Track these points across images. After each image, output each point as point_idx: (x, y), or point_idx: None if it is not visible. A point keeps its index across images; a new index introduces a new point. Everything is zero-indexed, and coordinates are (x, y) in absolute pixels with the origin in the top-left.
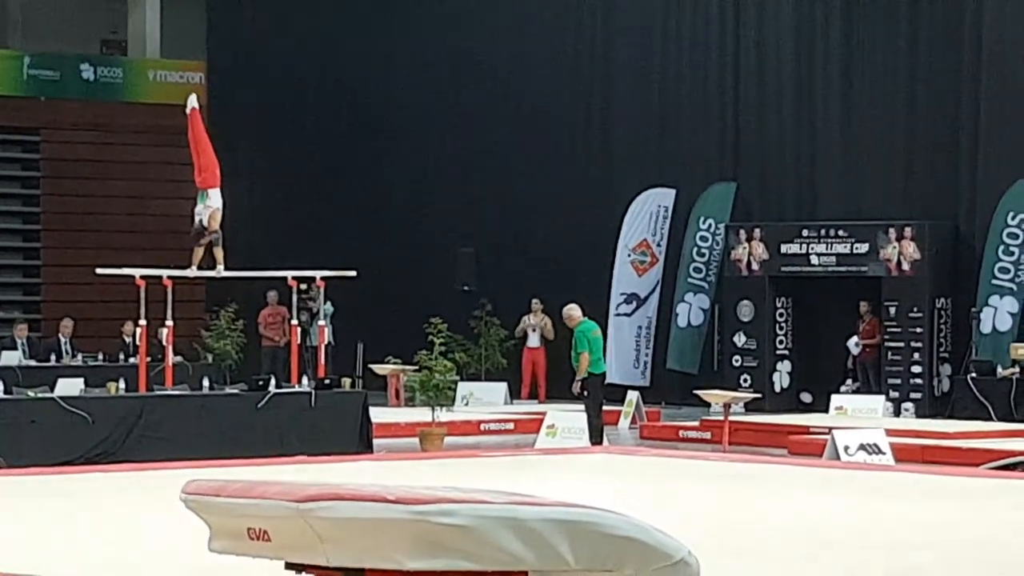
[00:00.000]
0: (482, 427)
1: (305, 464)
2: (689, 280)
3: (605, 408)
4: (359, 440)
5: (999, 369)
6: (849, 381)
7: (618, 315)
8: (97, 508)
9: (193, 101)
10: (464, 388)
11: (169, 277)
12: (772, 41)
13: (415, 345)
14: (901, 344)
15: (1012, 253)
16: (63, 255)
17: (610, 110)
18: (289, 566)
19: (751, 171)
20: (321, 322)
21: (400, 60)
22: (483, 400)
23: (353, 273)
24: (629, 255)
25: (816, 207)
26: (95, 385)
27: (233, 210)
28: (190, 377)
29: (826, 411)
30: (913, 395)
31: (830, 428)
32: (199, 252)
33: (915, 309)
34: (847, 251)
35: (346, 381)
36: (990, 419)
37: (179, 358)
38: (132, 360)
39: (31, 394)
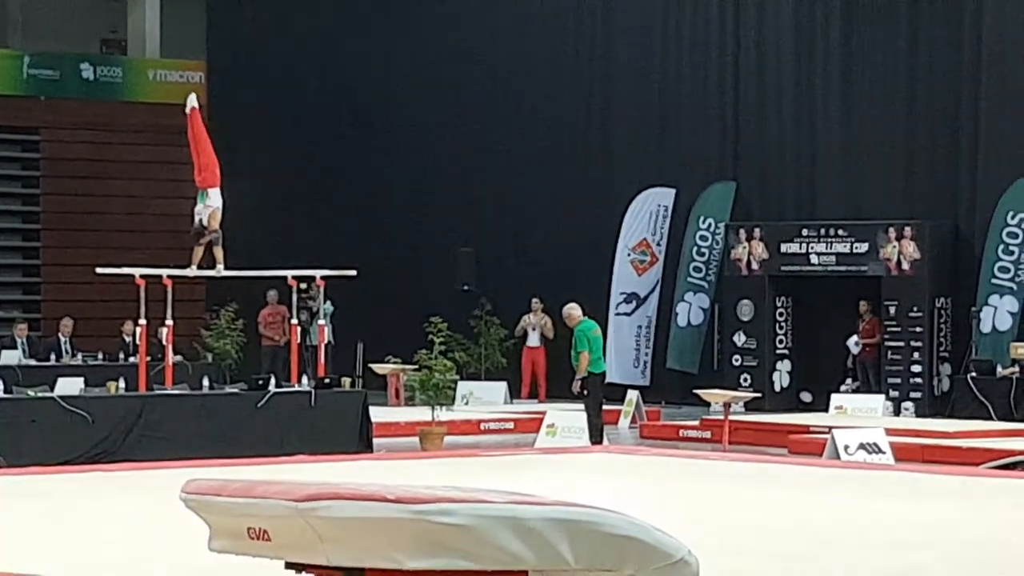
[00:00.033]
0: (482, 426)
1: (305, 463)
2: (689, 279)
3: (605, 407)
4: (359, 439)
5: (999, 368)
6: (849, 380)
7: (618, 314)
8: (97, 508)
9: (193, 101)
10: (464, 387)
11: (169, 276)
12: (772, 41)
13: (415, 344)
14: (901, 343)
15: (1012, 252)
16: (63, 254)
17: (610, 110)
18: (289, 566)
19: (751, 170)
20: (321, 321)
21: (400, 60)
22: (483, 399)
23: (353, 272)
24: (629, 254)
25: (816, 207)
26: (95, 384)
27: (233, 209)
28: (190, 376)
29: (826, 410)
30: (913, 394)
31: (830, 427)
32: (199, 251)
33: (915, 308)
34: (847, 250)
35: (346, 380)
36: (990, 418)
37: (179, 357)
38: (132, 359)
39: (31, 393)
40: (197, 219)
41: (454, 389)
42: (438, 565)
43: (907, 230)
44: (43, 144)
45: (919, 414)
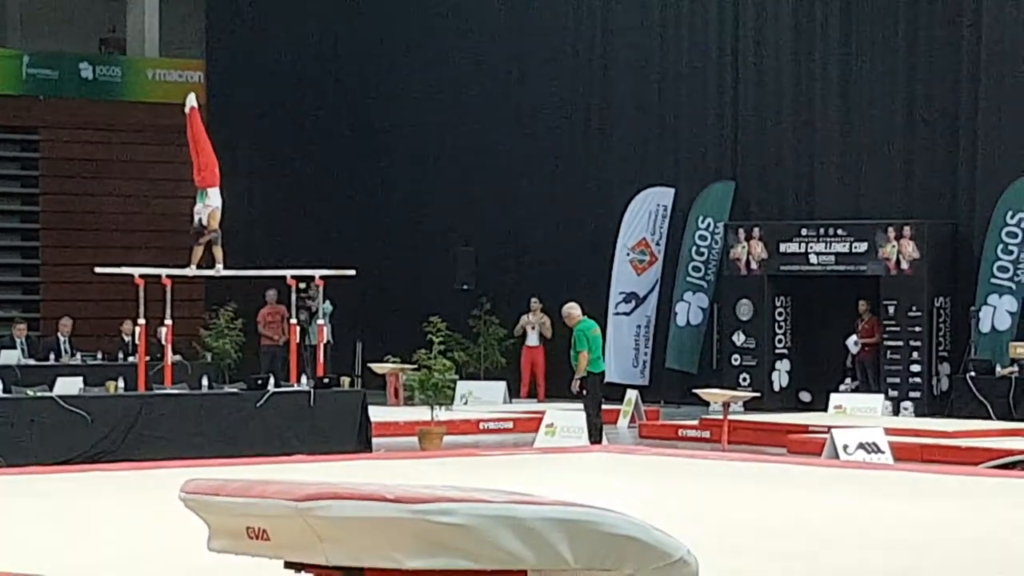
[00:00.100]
0: (481, 426)
1: (304, 463)
2: (688, 279)
3: (604, 407)
4: (358, 439)
5: (998, 368)
6: (848, 380)
7: (617, 314)
8: (96, 508)
9: (192, 100)
10: (463, 387)
11: (168, 276)
12: (771, 40)
13: (414, 344)
14: (900, 343)
15: (1011, 252)
16: (62, 254)
17: (609, 110)
18: (288, 565)
19: (750, 170)
20: (320, 321)
21: (400, 59)
22: (482, 399)
23: (352, 272)
24: (628, 254)
25: (815, 206)
26: (94, 384)
27: (232, 209)
28: (189, 376)
29: (825, 410)
30: (912, 394)
31: (829, 427)
32: (198, 251)
33: (914, 308)
34: (846, 250)
35: (345, 380)
36: (989, 418)
37: (178, 357)
38: (131, 359)
39: (30, 393)
40: (196, 219)
41: (453, 389)
42: (437, 565)
43: (906, 230)
44: (42, 144)
45: (918, 414)
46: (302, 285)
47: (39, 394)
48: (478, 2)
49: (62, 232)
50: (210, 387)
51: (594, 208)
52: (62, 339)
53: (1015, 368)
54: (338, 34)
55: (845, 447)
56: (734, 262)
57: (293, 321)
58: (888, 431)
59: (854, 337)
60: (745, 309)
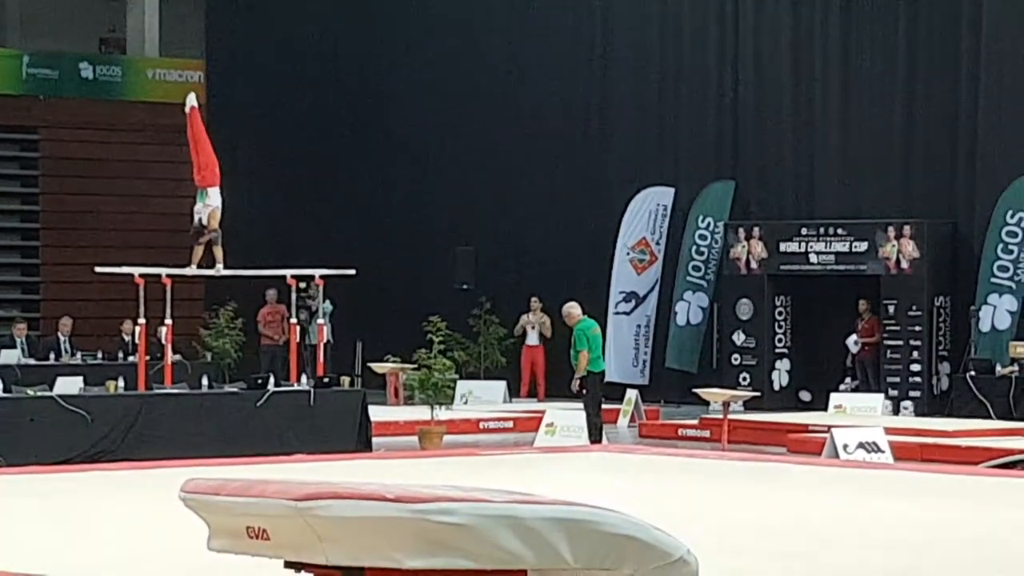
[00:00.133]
0: (481, 425)
1: (304, 463)
2: (688, 279)
3: (604, 406)
4: (358, 439)
5: (998, 367)
6: (848, 379)
7: (617, 313)
8: (96, 507)
9: (192, 100)
10: (463, 386)
11: (168, 275)
12: (771, 39)
13: (414, 343)
14: (900, 342)
15: (1011, 251)
16: (62, 254)
17: (609, 109)
18: (288, 565)
19: (750, 169)
20: (320, 320)
21: (400, 58)
22: (482, 399)
23: (352, 272)
24: (628, 253)
25: (815, 205)
26: (94, 384)
27: (232, 209)
28: (189, 376)
29: (825, 409)
30: (912, 393)
31: (829, 426)
32: (198, 251)
33: (914, 307)
34: (846, 249)
35: (345, 380)
36: (989, 417)
37: (178, 357)
38: (131, 359)
39: (30, 393)
40: (196, 218)
41: (453, 388)
42: (437, 564)
43: (906, 229)
44: (42, 143)
45: (918, 413)
46: (302, 285)
47: (39, 394)
48: (478, 2)
49: (62, 232)
50: (210, 387)
51: (594, 208)
52: (62, 339)
53: (1015, 367)
54: (338, 34)
55: (845, 446)
56: (734, 261)
57: (293, 321)
58: (888, 431)
59: (854, 336)
60: (745, 308)
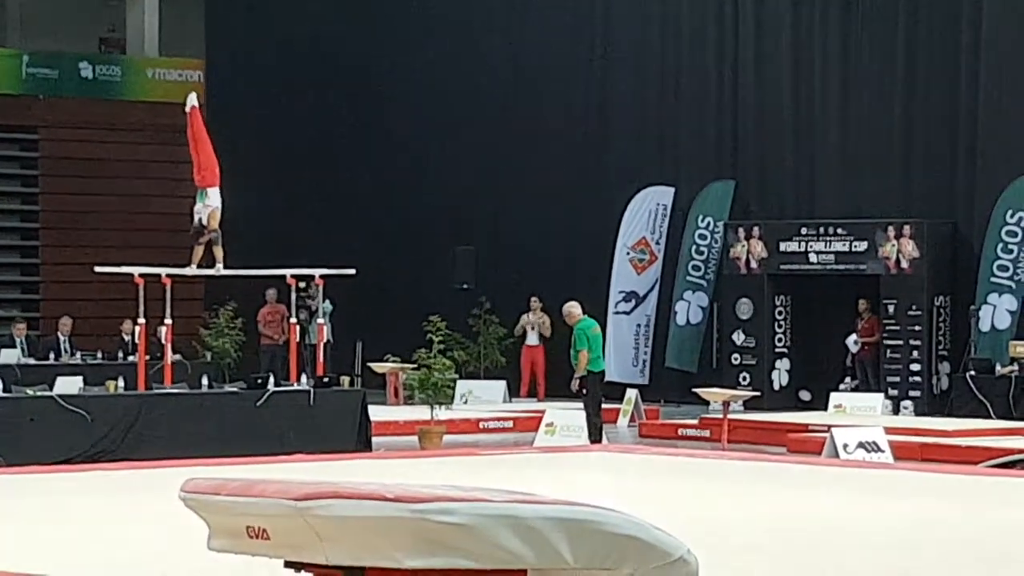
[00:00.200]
0: (481, 425)
1: (304, 462)
2: (688, 278)
3: (604, 406)
4: (358, 438)
5: (998, 367)
6: (848, 379)
7: (617, 313)
8: (96, 507)
9: (193, 99)
10: (463, 386)
11: (168, 275)
12: (771, 39)
13: (414, 343)
14: (900, 342)
15: (1011, 251)
16: (62, 253)
17: (609, 109)
18: (288, 564)
19: (750, 169)
20: (320, 320)
21: (400, 59)
22: (482, 398)
23: (352, 271)
24: (628, 253)
25: (815, 205)
26: (94, 383)
27: (232, 209)
28: (189, 375)
29: (825, 409)
30: (912, 393)
31: (829, 426)
32: (198, 250)
33: (914, 307)
34: (846, 249)
35: (345, 379)
36: (989, 417)
37: (178, 356)
38: (131, 358)
39: (30, 392)
40: (196, 218)
41: (453, 388)
42: (437, 564)
43: (906, 229)
44: (42, 143)
45: (918, 413)
46: (302, 284)
47: (39, 393)
48: (478, 2)
49: (62, 231)
50: (210, 386)
51: (594, 207)
52: (62, 338)
53: (1015, 367)
54: (338, 34)
55: (845, 446)
56: (734, 261)
57: (293, 320)
58: (888, 430)
59: (854, 336)
60: (745, 308)
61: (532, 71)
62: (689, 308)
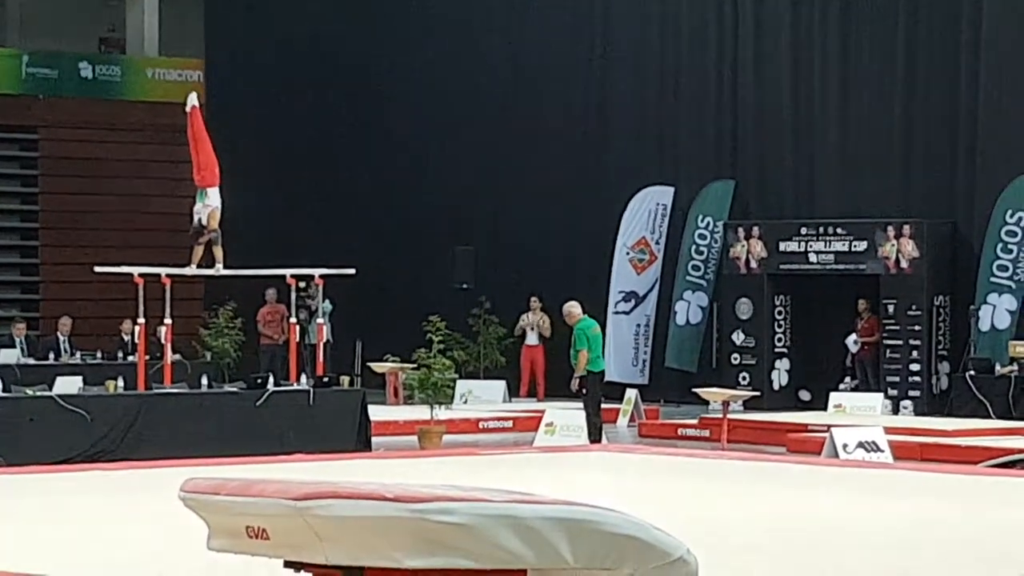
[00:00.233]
0: (481, 425)
1: (303, 462)
2: (688, 278)
3: (604, 406)
4: (358, 438)
5: (997, 367)
6: (848, 379)
7: (617, 313)
8: (95, 507)
9: (193, 99)
10: (463, 386)
11: (168, 275)
12: (770, 38)
13: (414, 343)
14: (900, 342)
15: (1011, 251)
16: (61, 253)
17: (609, 109)
18: (288, 564)
19: (750, 169)
20: (320, 320)
21: (400, 59)
22: (482, 398)
23: (352, 271)
24: (628, 253)
25: (814, 205)
26: (94, 383)
27: (232, 209)
28: (189, 375)
29: (824, 409)
30: (912, 393)
31: (828, 426)
32: (198, 250)
33: (914, 307)
34: (846, 249)
35: (344, 379)
36: (988, 417)
37: (178, 356)
38: (131, 358)
39: (30, 392)
40: (196, 218)
41: (453, 388)
42: (437, 564)
43: (906, 228)
44: (42, 143)
45: (918, 412)
46: (302, 284)
47: (39, 393)
48: (478, 2)
49: (61, 231)
50: (210, 386)
51: (594, 207)
52: (62, 338)
53: (1014, 367)
54: (338, 34)
55: (845, 446)
56: (734, 261)
57: (293, 320)
58: (887, 430)
59: (853, 336)
60: (745, 308)
61: (532, 71)
62: (689, 308)
